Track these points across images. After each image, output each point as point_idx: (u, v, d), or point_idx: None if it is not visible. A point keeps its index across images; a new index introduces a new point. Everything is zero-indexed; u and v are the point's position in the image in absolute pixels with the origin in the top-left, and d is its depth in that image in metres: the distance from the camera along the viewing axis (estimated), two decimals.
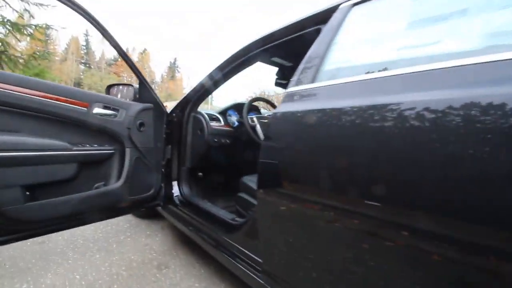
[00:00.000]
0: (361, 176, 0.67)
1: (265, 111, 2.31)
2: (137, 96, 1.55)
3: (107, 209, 1.38)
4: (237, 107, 1.90)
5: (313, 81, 0.91)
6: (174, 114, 1.80)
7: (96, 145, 1.31)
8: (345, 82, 0.81)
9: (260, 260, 1.05)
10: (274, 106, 1.92)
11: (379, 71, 0.76)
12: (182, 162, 1.80)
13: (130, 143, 1.42)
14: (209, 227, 1.43)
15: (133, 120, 1.42)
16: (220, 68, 1.52)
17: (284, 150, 0.89)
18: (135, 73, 1.46)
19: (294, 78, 0.99)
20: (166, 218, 1.96)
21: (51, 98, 1.11)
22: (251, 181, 1.51)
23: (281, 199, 0.88)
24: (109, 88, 1.61)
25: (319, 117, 0.79)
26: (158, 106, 1.60)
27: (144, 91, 1.54)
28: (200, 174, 1.95)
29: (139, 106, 1.47)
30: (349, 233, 0.71)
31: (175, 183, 1.83)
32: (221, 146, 1.76)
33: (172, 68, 75.29)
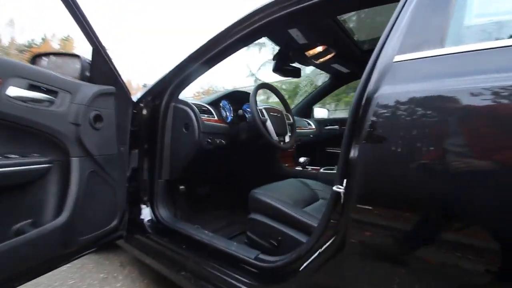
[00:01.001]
0: None
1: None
2: (88, 73, 0.96)
3: (41, 265, 0.79)
4: (231, 97, 1.44)
5: (443, 43, 0.54)
6: (142, 105, 1.24)
7: (15, 156, 0.72)
8: None
9: None
10: (282, 97, 1.53)
11: None
12: (158, 173, 1.26)
13: (80, 149, 0.85)
14: (215, 270, 0.96)
15: (85, 111, 0.85)
16: (219, 39, 1.05)
17: (415, 151, 0.50)
18: (85, 32, 0.88)
19: (394, 43, 0.61)
20: (129, 251, 1.40)
21: None
22: (268, 196, 1.09)
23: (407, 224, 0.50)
24: (36, 59, 0.98)
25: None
26: (122, 90, 1.04)
27: (101, 66, 0.97)
28: (182, 187, 1.43)
29: (93, 88, 0.90)
30: None
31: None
32: (215, 149, 1.28)
33: None
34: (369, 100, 0.60)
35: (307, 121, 2.13)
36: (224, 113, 1.38)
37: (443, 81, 0.48)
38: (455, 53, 0.49)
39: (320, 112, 2.33)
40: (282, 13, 0.89)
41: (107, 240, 1.05)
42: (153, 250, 1.22)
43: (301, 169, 1.57)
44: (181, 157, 1.25)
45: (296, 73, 1.78)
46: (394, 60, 0.58)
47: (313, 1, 0.82)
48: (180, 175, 1.31)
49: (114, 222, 1.02)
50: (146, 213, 1.26)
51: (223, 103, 1.38)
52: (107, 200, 0.98)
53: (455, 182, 0.45)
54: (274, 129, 1.26)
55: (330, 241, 0.70)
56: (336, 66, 1.79)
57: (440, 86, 0.48)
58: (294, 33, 1.24)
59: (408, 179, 0.50)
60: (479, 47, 0.47)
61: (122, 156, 1.08)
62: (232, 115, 1.42)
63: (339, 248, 0.67)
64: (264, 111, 1.28)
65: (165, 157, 1.25)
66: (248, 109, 1.45)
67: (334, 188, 0.69)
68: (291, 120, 1.45)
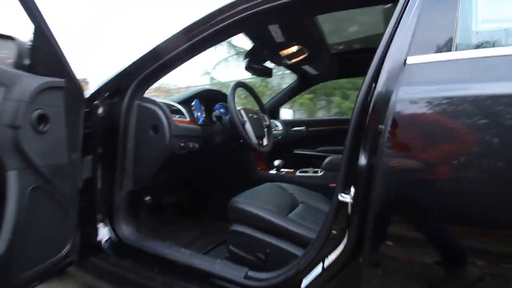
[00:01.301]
0: None
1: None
2: (27, 61, 0.75)
3: None
4: (202, 96, 1.31)
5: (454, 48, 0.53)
6: (97, 102, 1.04)
7: None
8: None
9: None
10: (258, 97, 1.44)
11: None
12: (118, 183, 1.07)
13: (19, 159, 0.65)
14: None
15: (25, 109, 0.66)
16: (196, 27, 0.93)
17: (445, 159, 0.47)
18: (24, 5, 0.68)
19: (401, 43, 0.58)
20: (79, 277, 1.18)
21: None
22: (251, 204, 1.01)
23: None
24: None
25: None
26: (72, 83, 0.85)
27: (45, 51, 0.76)
28: (148, 198, 1.25)
29: (36, 80, 0.70)
30: None
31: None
32: (187, 154, 1.14)
33: None
34: (382, 104, 0.56)
35: (274, 122, 2.10)
36: (195, 114, 1.24)
37: (468, 85, 0.47)
38: (484, 57, 0.49)
39: (286, 113, 2.32)
40: (268, 5, 0.81)
41: (55, 270, 0.84)
42: (113, 274, 1.04)
43: (275, 172, 1.53)
44: (148, 164, 1.08)
45: (268, 72, 1.73)
46: (407, 62, 0.55)
47: None
48: (146, 185, 1.14)
49: (66, 249, 0.82)
50: (103, 232, 1.06)
51: (195, 102, 1.24)
52: (56, 222, 0.78)
53: (495, 192, 0.43)
54: (253, 132, 1.18)
55: (335, 255, 0.65)
56: (306, 67, 1.79)
57: (465, 90, 0.47)
58: (274, 30, 1.18)
59: (440, 189, 0.47)
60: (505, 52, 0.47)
61: (74, 166, 0.88)
62: (204, 115, 1.29)
63: (346, 263, 0.63)
64: (242, 112, 1.19)
65: (128, 164, 1.07)
66: (222, 110, 1.34)
67: (339, 197, 0.64)
68: (267, 122, 1.39)
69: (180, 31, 0.95)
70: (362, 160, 0.59)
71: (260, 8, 0.82)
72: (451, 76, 0.50)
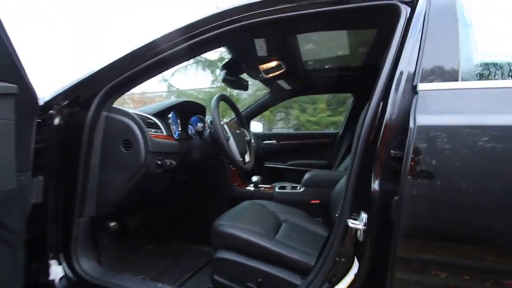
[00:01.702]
0: None
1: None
2: None
3: None
4: (180, 108, 1.19)
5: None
6: (53, 111, 0.87)
7: None
8: None
9: None
10: (238, 111, 1.37)
11: None
12: (78, 208, 0.89)
13: None
14: None
15: None
16: (183, 33, 0.84)
17: (473, 188, 0.48)
18: None
19: (408, 69, 0.59)
20: None
21: None
22: (237, 228, 0.93)
23: None
24: None
25: None
26: (26, 90, 0.69)
27: None
28: (114, 224, 1.07)
29: None
30: None
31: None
32: (164, 172, 1.01)
33: None
34: (397, 130, 0.56)
35: None
36: (172, 128, 1.12)
37: (489, 116, 0.49)
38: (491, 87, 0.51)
39: (256, 126, 2.30)
40: (266, 18, 0.78)
41: None
42: None
43: (253, 189, 1.47)
44: (117, 185, 0.93)
45: (245, 85, 1.69)
46: (419, 88, 0.56)
47: (302, 13, 0.76)
48: (112, 209, 0.97)
49: None
50: (56, 269, 0.87)
51: (172, 115, 1.13)
52: (1, 266, 0.60)
53: None
54: (237, 148, 1.11)
55: (345, 284, 0.62)
56: (281, 82, 1.80)
57: (486, 120, 0.48)
58: (259, 43, 1.15)
59: (472, 219, 0.48)
60: None
61: (23, 191, 0.71)
62: (179, 129, 1.18)
63: None
64: (226, 127, 1.11)
65: (91, 186, 0.90)
66: (200, 124, 1.24)
67: (349, 223, 0.61)
68: (248, 137, 1.34)
69: (162, 37, 0.85)
70: (376, 186, 0.58)
71: (254, 20, 0.78)
72: (464, 104, 0.52)
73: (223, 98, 1.17)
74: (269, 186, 1.52)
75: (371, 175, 0.58)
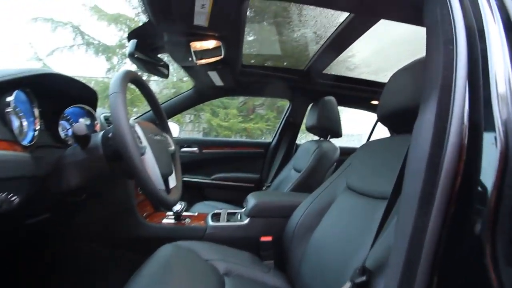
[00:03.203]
0: None
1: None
2: None
3: None
4: (38, 86, 0.61)
5: None
6: None
7: None
8: None
9: None
10: (157, 105, 0.83)
11: None
12: None
13: None
14: None
15: None
16: None
17: None
18: None
19: None
20: None
21: None
22: None
23: None
24: None
25: None
26: None
27: None
28: None
29: None
30: None
31: None
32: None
33: None
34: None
35: None
36: (15, 123, 0.55)
37: None
38: None
39: (172, 128, 1.79)
40: None
41: None
42: None
43: (174, 222, 0.98)
44: None
45: (164, 71, 1.20)
46: None
47: None
48: None
49: None
50: None
51: (15, 97, 0.54)
52: None
53: None
54: (158, 167, 0.63)
55: None
56: (212, 75, 1.39)
57: None
58: (201, 2, 0.72)
59: None
60: None
61: None
62: (36, 128, 0.60)
63: None
64: (139, 130, 0.61)
65: None
66: (84, 120, 0.70)
67: None
68: (173, 147, 0.85)
69: None
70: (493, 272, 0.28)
71: None
72: None
73: (133, 77, 0.65)
74: (196, 214, 1.07)
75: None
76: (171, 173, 0.75)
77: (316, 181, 1.28)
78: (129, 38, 0.99)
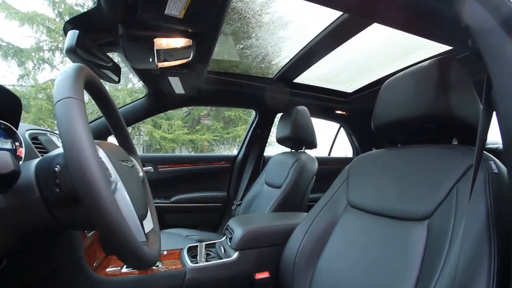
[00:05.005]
0: None
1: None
2: None
3: None
4: None
5: None
6: None
7: None
8: None
9: None
10: (118, 116, 0.59)
11: None
12: None
13: None
14: None
15: None
16: None
17: None
18: None
19: None
20: None
21: None
22: None
23: None
24: None
25: None
26: None
27: None
28: None
29: None
30: None
31: None
32: None
33: None
34: None
35: None
36: None
37: None
38: None
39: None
40: None
41: None
42: None
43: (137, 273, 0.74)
44: None
45: (114, 75, 0.95)
46: None
47: None
48: None
49: None
50: None
51: None
52: None
53: None
54: (134, 207, 0.42)
55: None
56: (172, 80, 1.18)
57: None
58: None
59: None
60: None
61: None
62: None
63: None
64: (103, 155, 0.40)
65: None
66: (18, 143, 0.45)
67: None
68: (141, 173, 0.62)
69: None
70: None
71: None
72: None
73: (89, 76, 0.42)
74: (166, 253, 0.85)
75: None
76: (146, 211, 0.54)
77: (300, 197, 1.18)
78: (66, 28, 0.74)
